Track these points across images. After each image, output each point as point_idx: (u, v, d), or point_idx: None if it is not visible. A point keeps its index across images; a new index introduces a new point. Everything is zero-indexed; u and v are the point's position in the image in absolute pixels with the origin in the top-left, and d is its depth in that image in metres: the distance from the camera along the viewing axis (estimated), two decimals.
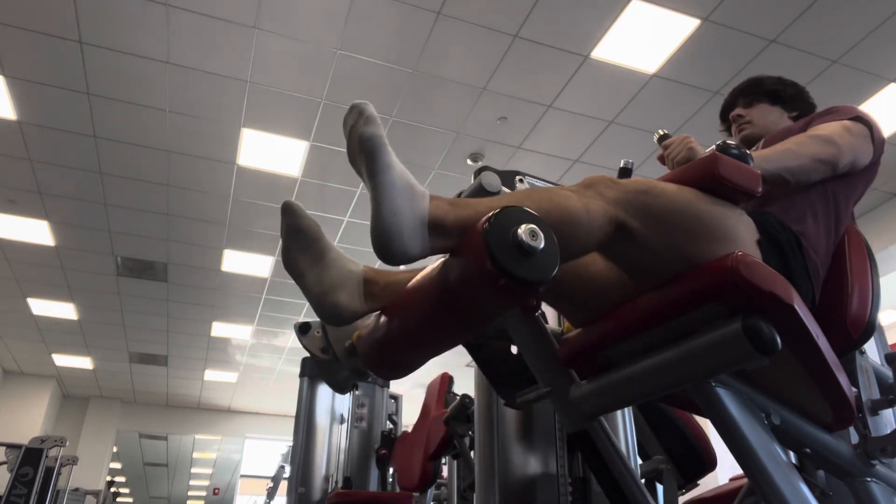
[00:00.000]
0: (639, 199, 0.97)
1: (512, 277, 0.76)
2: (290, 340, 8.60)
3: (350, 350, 1.11)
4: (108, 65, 4.01)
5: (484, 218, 0.80)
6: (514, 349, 1.39)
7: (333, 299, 0.97)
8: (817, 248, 1.25)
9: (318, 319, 1.19)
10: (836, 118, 1.40)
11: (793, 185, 1.28)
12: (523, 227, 0.78)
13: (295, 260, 1.00)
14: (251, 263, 6.50)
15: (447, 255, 0.89)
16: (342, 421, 4.41)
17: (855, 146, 1.34)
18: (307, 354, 5.12)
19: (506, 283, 0.77)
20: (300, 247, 1.00)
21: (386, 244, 0.82)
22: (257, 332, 8.34)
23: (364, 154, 0.86)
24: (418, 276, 0.98)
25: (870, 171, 1.40)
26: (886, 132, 4.52)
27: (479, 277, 0.79)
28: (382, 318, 1.02)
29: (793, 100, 1.64)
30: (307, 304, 5.89)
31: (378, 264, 1.00)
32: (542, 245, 0.78)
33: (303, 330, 1.24)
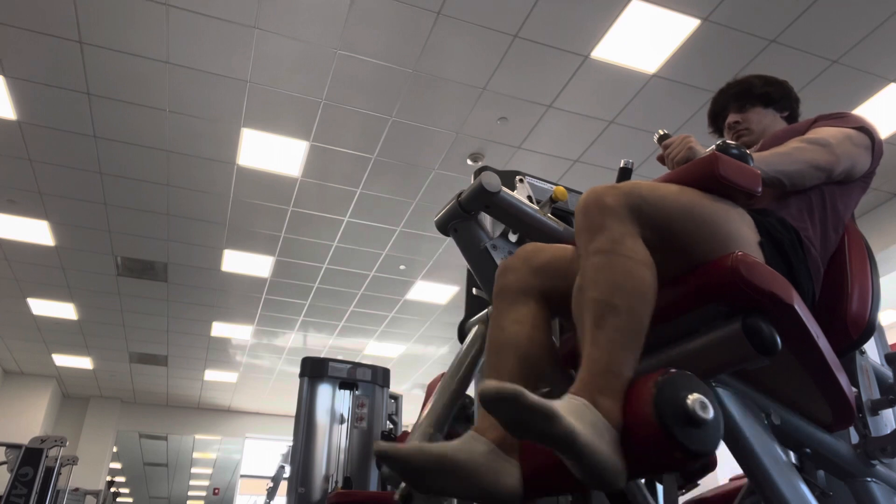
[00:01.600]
0: (640, 206, 0.98)
1: (687, 451, 0.75)
2: (290, 340, 8.60)
3: None
4: (108, 65, 4.01)
5: (652, 383, 0.79)
6: None
7: (503, 488, 0.93)
8: (816, 245, 1.25)
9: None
10: (842, 125, 1.40)
11: (788, 189, 1.28)
12: (694, 396, 0.77)
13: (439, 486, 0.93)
14: (251, 263, 6.50)
15: None
16: (342, 421, 4.41)
17: (853, 155, 1.35)
18: (307, 354, 5.12)
19: (680, 457, 0.76)
20: (447, 477, 0.92)
21: (610, 484, 0.81)
22: (257, 332, 8.34)
23: (557, 448, 0.81)
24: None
25: (865, 180, 1.40)
26: (887, 132, 4.52)
27: (651, 448, 0.78)
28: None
29: (783, 99, 1.64)
30: (307, 304, 5.92)
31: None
32: (710, 416, 0.77)
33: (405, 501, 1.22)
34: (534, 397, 0.76)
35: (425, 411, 1.39)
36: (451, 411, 1.40)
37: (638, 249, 0.94)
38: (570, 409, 0.81)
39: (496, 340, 1.11)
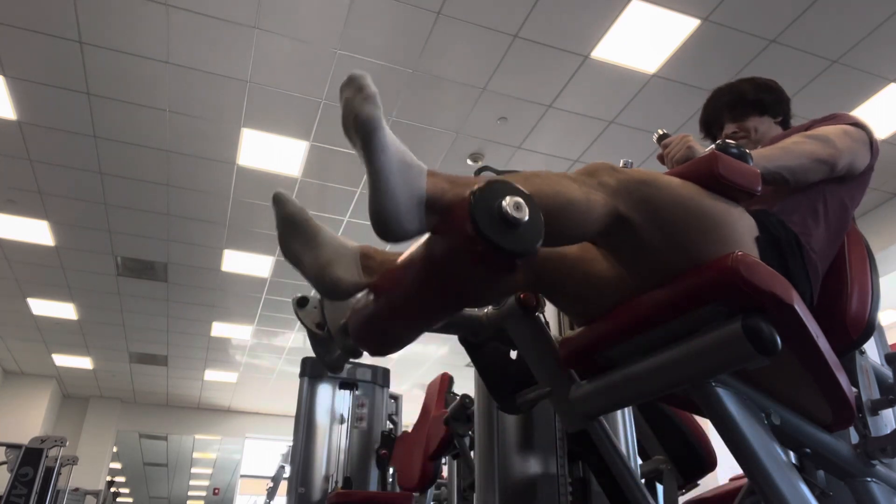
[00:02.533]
0: (640, 189, 0.97)
1: (495, 247, 0.77)
2: (290, 340, 8.60)
3: (343, 329, 1.11)
4: (108, 65, 4.01)
5: (469, 191, 0.80)
6: (513, 354, 1.39)
7: (331, 273, 0.99)
8: (816, 248, 1.25)
9: (315, 294, 1.21)
10: (837, 123, 1.41)
11: (792, 185, 1.28)
12: (508, 199, 0.78)
13: (290, 246, 1.02)
14: (251, 263, 6.50)
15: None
16: (342, 421, 4.41)
17: (854, 149, 1.35)
18: (307, 354, 5.13)
19: (489, 254, 0.77)
20: (293, 233, 1.03)
21: (384, 224, 0.83)
22: (257, 332, 8.34)
23: (360, 134, 0.86)
24: (408, 251, 0.98)
25: (865, 176, 1.40)
26: (887, 132, 4.52)
27: (463, 248, 0.80)
28: (372, 295, 1.03)
29: (775, 104, 1.64)
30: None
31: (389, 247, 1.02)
32: (526, 217, 0.78)
33: (300, 304, 1.24)
34: (374, 91, 0.85)
35: None
36: None
37: (594, 196, 0.93)
38: (400, 151, 0.87)
39: None
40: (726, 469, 1.99)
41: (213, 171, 5.04)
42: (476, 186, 0.80)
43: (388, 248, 1.01)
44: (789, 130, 1.54)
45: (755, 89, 1.64)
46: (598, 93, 4.28)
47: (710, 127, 1.70)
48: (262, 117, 4.50)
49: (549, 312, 1.49)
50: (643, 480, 1.64)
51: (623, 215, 0.95)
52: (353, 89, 0.88)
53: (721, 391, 0.97)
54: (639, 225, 0.96)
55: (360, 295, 1.06)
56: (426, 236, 0.91)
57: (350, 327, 1.09)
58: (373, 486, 4.21)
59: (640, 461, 1.82)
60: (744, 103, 1.63)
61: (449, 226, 0.84)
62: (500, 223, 0.77)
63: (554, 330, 1.59)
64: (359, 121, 0.85)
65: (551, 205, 0.85)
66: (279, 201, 1.04)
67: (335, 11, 3.66)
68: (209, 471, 16.13)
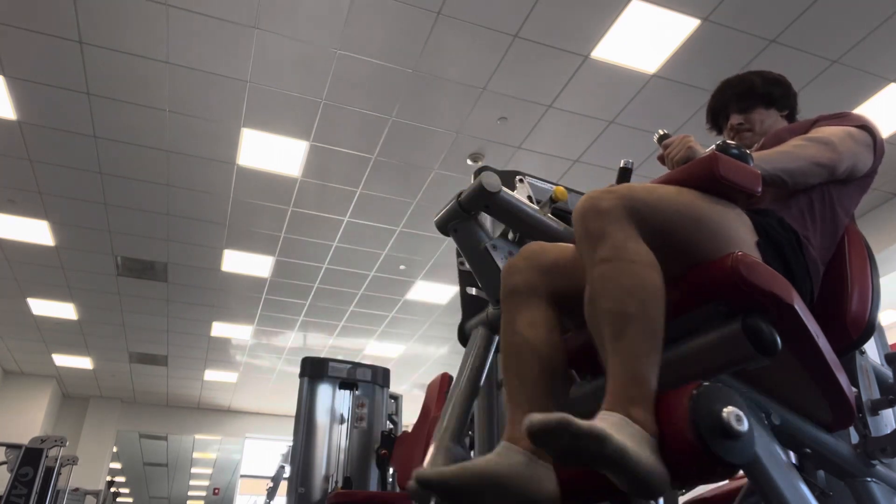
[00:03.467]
0: (638, 209, 0.98)
1: (720, 462, 0.77)
2: (290, 340, 8.60)
3: None
4: (108, 65, 4.01)
5: (687, 397, 0.80)
6: None
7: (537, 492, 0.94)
8: (815, 244, 1.25)
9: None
10: (843, 123, 1.40)
11: (791, 187, 1.28)
12: (729, 409, 0.78)
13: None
14: (251, 263, 6.50)
15: None
16: (342, 421, 4.41)
17: (856, 153, 1.34)
18: (307, 354, 5.13)
19: (715, 466, 0.77)
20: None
21: (657, 492, 0.82)
22: (257, 332, 8.33)
23: (608, 468, 0.81)
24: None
25: (866, 179, 1.40)
26: (887, 132, 4.52)
27: (686, 459, 0.79)
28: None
29: (783, 98, 1.64)
30: (307, 303, 5.92)
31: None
32: (745, 428, 0.78)
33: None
34: (582, 423, 0.76)
35: (444, 423, 1.37)
36: (467, 420, 1.40)
37: (641, 252, 0.94)
38: (613, 426, 0.82)
39: (515, 345, 1.11)
40: None
41: (213, 171, 5.04)
42: (693, 391, 0.80)
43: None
44: (793, 126, 1.53)
45: (764, 82, 1.64)
46: (598, 93, 4.28)
47: (716, 116, 1.70)
48: (262, 117, 4.50)
49: None
50: None
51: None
52: (595, 445, 0.79)
53: None
54: (642, 237, 0.97)
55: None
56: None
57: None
58: (373, 486, 4.21)
59: None
60: (752, 95, 1.62)
61: (665, 431, 0.82)
62: (721, 435, 0.77)
63: None
64: (610, 462, 0.80)
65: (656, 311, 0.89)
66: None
67: (335, 11, 3.66)
68: (209, 471, 16.12)
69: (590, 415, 0.81)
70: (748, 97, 1.63)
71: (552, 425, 0.75)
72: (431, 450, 1.31)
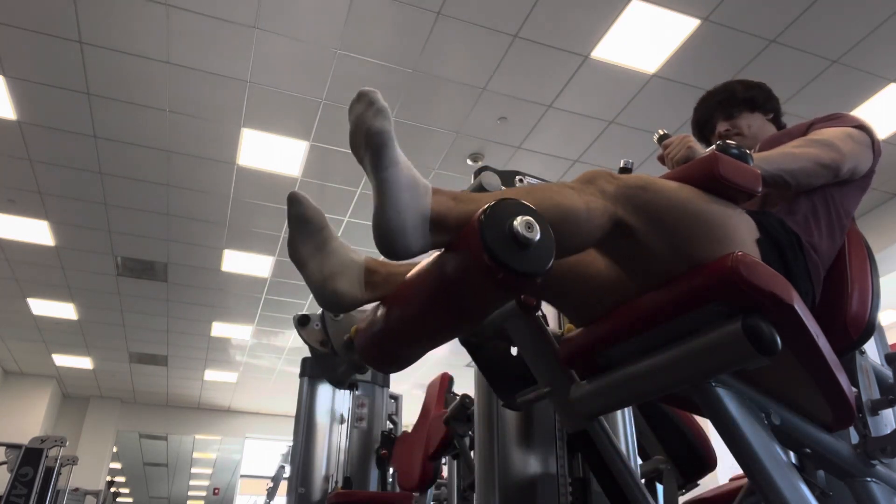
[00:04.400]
0: (639, 195, 0.97)
1: (507, 269, 0.76)
2: (290, 340, 8.60)
3: (348, 344, 1.11)
4: (108, 65, 4.01)
5: (480, 210, 0.80)
6: (513, 350, 1.39)
7: (333, 286, 0.98)
8: (818, 249, 1.25)
9: (317, 312, 1.21)
10: (840, 124, 1.40)
11: (793, 188, 1.28)
12: (519, 218, 0.78)
13: (299, 248, 1.01)
14: (251, 263, 6.50)
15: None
16: (342, 421, 4.41)
17: (857, 153, 1.34)
18: (307, 354, 5.13)
19: (502, 276, 0.77)
20: (304, 235, 1.01)
21: (389, 240, 0.83)
22: (257, 332, 8.34)
23: (370, 148, 0.86)
24: (416, 268, 0.98)
25: (867, 179, 1.40)
26: (887, 132, 4.52)
27: (475, 269, 0.79)
28: (380, 311, 1.03)
29: (766, 101, 1.65)
30: (307, 304, 5.89)
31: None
32: (538, 237, 0.78)
33: (302, 322, 1.25)
34: (386, 106, 0.86)
35: None
36: None
37: (593, 202, 0.92)
38: (408, 167, 0.87)
39: None
40: (726, 469, 1.99)
41: (213, 171, 5.04)
42: (486, 205, 0.80)
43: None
44: (790, 129, 1.53)
45: (745, 88, 1.66)
46: (598, 93, 4.28)
47: (702, 128, 1.71)
48: (262, 117, 4.50)
49: (550, 312, 1.49)
50: (643, 480, 1.64)
51: (623, 221, 0.95)
52: (363, 104, 0.88)
53: (721, 391, 0.97)
54: (639, 230, 0.96)
55: (368, 310, 1.05)
56: (434, 254, 0.90)
57: (357, 343, 1.09)
58: (373, 486, 4.21)
59: (640, 461, 1.82)
60: (734, 101, 1.64)
61: (460, 244, 0.84)
62: (511, 244, 0.77)
63: (554, 330, 1.59)
64: (370, 134, 0.85)
65: (553, 218, 0.84)
66: (295, 202, 1.02)
67: (335, 11, 3.66)
68: (209, 471, 16.13)
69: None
70: (731, 103, 1.64)
71: (364, 92, 0.88)
72: None
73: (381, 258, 1.06)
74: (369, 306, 1.04)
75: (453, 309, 0.89)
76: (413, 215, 0.84)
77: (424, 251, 0.87)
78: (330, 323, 1.14)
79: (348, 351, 1.10)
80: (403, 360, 1.04)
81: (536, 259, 0.78)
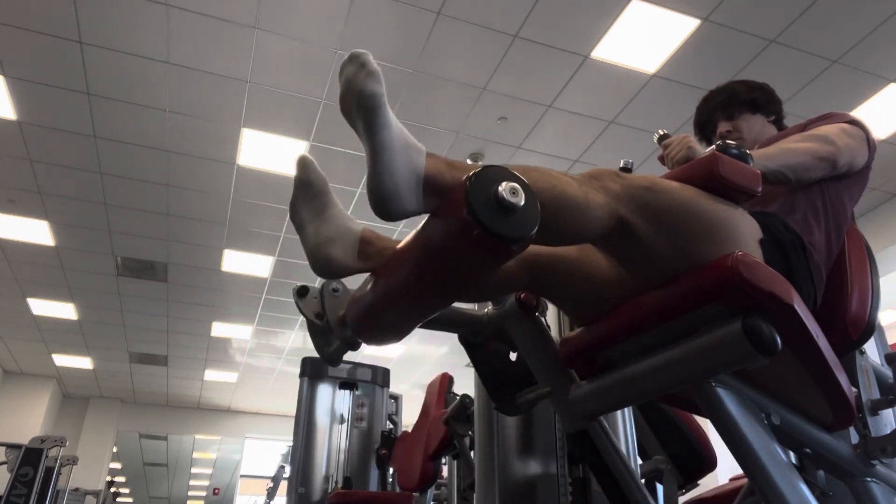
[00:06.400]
0: (642, 195, 0.97)
1: (491, 232, 0.77)
2: (290, 340, 8.60)
3: (342, 320, 1.11)
4: (108, 65, 4.01)
5: (466, 175, 0.80)
6: (512, 356, 1.39)
7: (327, 252, 1.00)
8: (818, 247, 1.25)
9: (317, 285, 1.20)
10: (833, 122, 1.41)
11: (793, 183, 1.28)
12: (504, 184, 0.78)
13: (299, 211, 1.03)
14: (251, 263, 6.50)
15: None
16: (342, 421, 4.41)
17: (853, 146, 1.36)
18: (307, 354, 5.12)
19: (485, 239, 0.77)
20: (305, 199, 1.03)
21: (382, 202, 0.83)
22: (257, 332, 8.33)
23: (362, 111, 0.86)
24: (406, 237, 0.98)
25: (864, 174, 1.41)
26: (886, 132, 4.52)
27: (459, 232, 0.79)
28: (371, 283, 1.03)
29: (768, 104, 1.65)
30: None
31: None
32: (522, 202, 0.78)
33: (301, 293, 1.24)
34: (377, 68, 0.84)
35: None
36: None
37: (596, 197, 0.92)
38: (401, 130, 0.86)
39: None
40: (726, 469, 2.00)
41: (213, 171, 5.04)
42: (472, 171, 0.81)
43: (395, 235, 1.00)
44: (786, 131, 1.54)
45: (748, 89, 1.66)
46: (598, 93, 4.28)
47: (703, 128, 1.71)
48: (262, 117, 4.50)
49: (550, 313, 1.49)
50: (643, 480, 1.64)
51: (625, 220, 0.95)
52: (355, 66, 0.87)
53: (721, 391, 0.97)
54: (642, 229, 0.96)
55: (360, 284, 1.06)
56: (424, 221, 0.91)
57: (348, 317, 1.09)
58: (373, 486, 4.21)
59: (640, 461, 1.82)
60: (736, 101, 1.64)
61: (446, 209, 0.84)
62: (495, 208, 0.77)
63: (554, 330, 1.59)
64: (362, 96, 0.85)
65: (547, 197, 0.84)
66: (303, 165, 1.03)
67: (335, 11, 3.66)
68: (209, 471, 16.13)
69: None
70: (733, 104, 1.64)
71: (355, 53, 0.87)
72: None
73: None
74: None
75: (439, 275, 0.89)
76: (407, 177, 0.84)
77: (418, 213, 0.87)
78: (328, 297, 1.14)
79: (342, 327, 1.10)
80: (392, 331, 1.03)
81: (520, 224, 0.78)
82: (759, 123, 1.62)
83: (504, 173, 0.80)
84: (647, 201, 0.97)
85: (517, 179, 0.80)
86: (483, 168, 0.81)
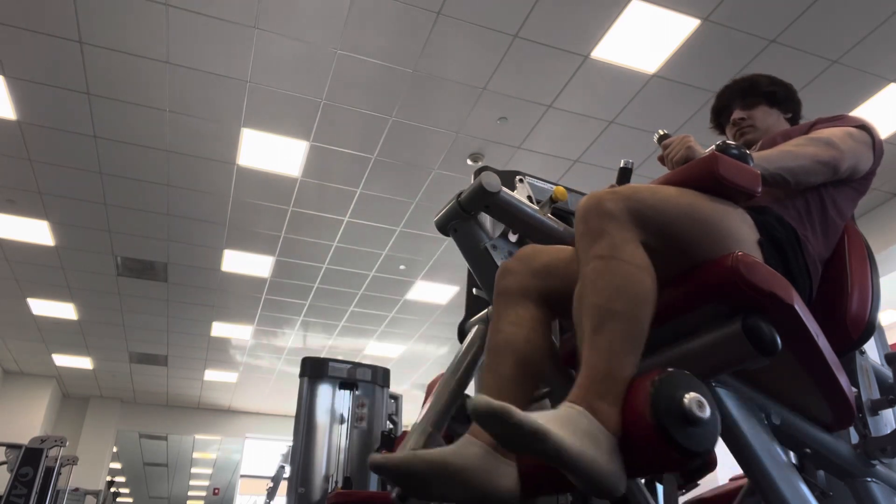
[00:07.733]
0: (642, 210, 0.98)
1: (680, 449, 0.75)
2: (290, 340, 8.60)
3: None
4: (108, 65, 4.01)
5: (647, 385, 0.78)
6: None
7: (495, 486, 0.94)
8: (813, 241, 1.25)
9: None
10: (842, 124, 1.40)
11: (793, 186, 1.28)
12: (690, 395, 0.76)
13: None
14: (251, 263, 6.50)
15: None
16: (342, 421, 4.41)
17: (857, 151, 1.35)
18: (307, 354, 5.12)
19: (668, 453, 0.76)
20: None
21: (609, 489, 0.80)
22: (257, 332, 8.33)
23: (550, 461, 0.80)
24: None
25: (867, 179, 1.40)
26: (887, 132, 4.52)
27: (643, 445, 0.78)
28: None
29: (787, 101, 1.65)
30: (307, 303, 5.91)
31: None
32: (707, 415, 0.76)
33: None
34: (521, 415, 0.75)
35: (425, 410, 1.40)
36: (450, 411, 1.40)
37: (638, 255, 0.94)
38: (564, 420, 0.81)
39: (494, 342, 1.12)
40: (726, 469, 1.99)
41: (213, 171, 5.04)
42: (655, 377, 0.79)
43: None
44: (789, 129, 1.54)
45: (770, 81, 1.66)
46: (598, 93, 4.28)
47: (719, 114, 1.71)
48: (262, 117, 4.50)
49: None
50: (643, 480, 1.64)
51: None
52: (530, 438, 0.78)
53: (721, 391, 0.97)
54: (644, 240, 0.97)
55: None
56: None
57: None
58: (373, 486, 4.21)
59: None
60: (756, 92, 1.63)
61: (626, 420, 0.81)
62: (681, 421, 0.75)
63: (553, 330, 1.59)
64: (550, 457, 0.79)
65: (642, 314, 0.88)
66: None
67: (335, 11, 3.66)
68: (209, 471, 16.12)
69: None
70: (752, 93, 1.64)
71: (493, 409, 0.75)
72: (410, 429, 1.32)
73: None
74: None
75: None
76: (609, 460, 0.80)
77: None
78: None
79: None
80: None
81: (707, 437, 0.77)
82: (773, 117, 1.62)
83: (689, 382, 0.79)
84: (648, 217, 0.98)
85: (700, 389, 0.78)
86: (667, 375, 0.79)
